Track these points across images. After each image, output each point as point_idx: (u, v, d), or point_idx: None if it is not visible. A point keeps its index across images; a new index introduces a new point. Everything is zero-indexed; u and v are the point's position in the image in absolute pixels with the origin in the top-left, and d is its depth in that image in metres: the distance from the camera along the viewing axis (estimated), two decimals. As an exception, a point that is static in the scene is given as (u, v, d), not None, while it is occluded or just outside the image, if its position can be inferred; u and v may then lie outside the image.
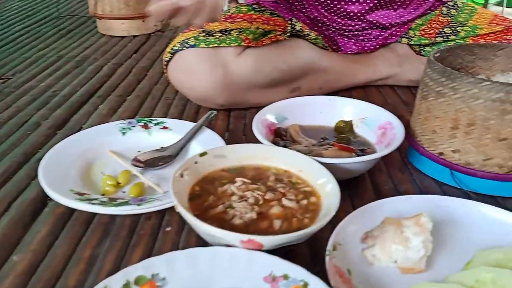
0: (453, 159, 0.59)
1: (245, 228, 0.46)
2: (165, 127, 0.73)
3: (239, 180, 0.52)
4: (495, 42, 0.85)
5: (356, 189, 0.61)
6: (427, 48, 0.99)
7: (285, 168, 0.56)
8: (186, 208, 0.47)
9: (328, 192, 0.50)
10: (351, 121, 0.72)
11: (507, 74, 0.70)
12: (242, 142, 0.75)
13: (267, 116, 0.70)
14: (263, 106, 0.88)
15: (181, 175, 0.51)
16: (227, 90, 0.82)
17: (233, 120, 0.84)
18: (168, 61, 0.85)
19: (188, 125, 0.72)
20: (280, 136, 0.69)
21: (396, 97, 0.94)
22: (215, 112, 0.73)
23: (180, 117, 0.86)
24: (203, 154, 0.55)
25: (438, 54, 0.67)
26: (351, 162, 0.57)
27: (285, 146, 0.66)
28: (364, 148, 0.66)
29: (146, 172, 0.63)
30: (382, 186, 0.62)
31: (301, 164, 0.55)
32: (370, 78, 0.97)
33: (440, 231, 0.50)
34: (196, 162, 0.54)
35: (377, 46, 0.97)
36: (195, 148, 0.68)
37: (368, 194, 0.60)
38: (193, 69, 0.81)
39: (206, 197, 0.50)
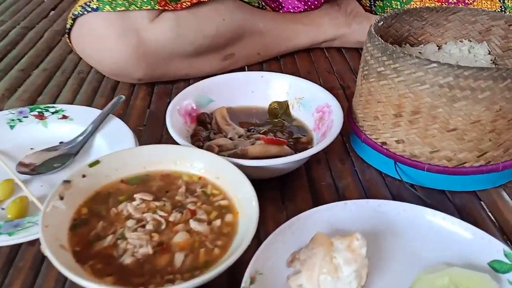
0: (397, 150, 0.52)
1: (138, 268, 0.37)
2: (64, 116, 0.60)
3: (138, 197, 0.43)
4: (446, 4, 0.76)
5: (289, 186, 0.53)
6: (378, 3, 0.89)
7: (199, 174, 0.47)
8: (63, 242, 0.37)
9: (247, 209, 0.42)
10: (286, 101, 0.62)
11: (460, 42, 0.62)
12: (162, 125, 0.65)
13: (188, 100, 0.59)
14: (192, 78, 0.78)
15: (60, 197, 0.41)
16: (143, 61, 0.69)
17: (156, 98, 0.73)
18: (69, 29, 0.71)
19: (93, 113, 0.60)
20: (204, 124, 0.59)
21: (343, 62, 0.84)
22: (123, 97, 0.61)
23: (93, 95, 0.73)
24: (94, 164, 0.45)
25: (381, 23, 0.57)
26: (274, 164, 0.48)
27: (208, 138, 0.56)
28: (299, 136, 0.57)
29: (35, 179, 0.52)
30: (319, 182, 0.54)
31: (217, 169, 0.46)
32: (314, 40, 0.86)
33: (379, 243, 0.44)
34: (84, 176, 0.44)
35: (322, 1, 0.86)
36: (100, 143, 0.57)
37: (302, 194, 0.52)
38: (99, 38, 0.67)
39: (95, 223, 0.41)
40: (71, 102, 0.71)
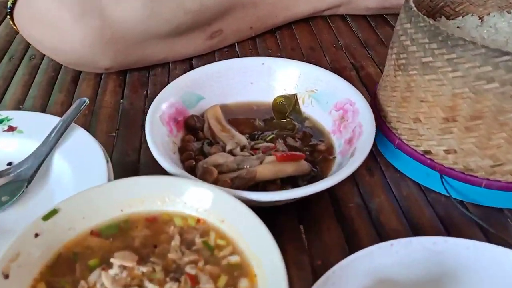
0: (445, 161, 0.41)
1: None
2: (11, 128, 0.46)
3: (117, 263, 0.31)
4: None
5: (309, 212, 0.42)
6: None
7: (197, 215, 0.35)
8: None
9: (267, 268, 0.30)
10: (295, 95, 0.50)
11: (508, 13, 0.50)
12: (139, 128, 0.52)
13: (170, 100, 0.46)
14: (172, 62, 0.64)
15: (5, 276, 0.28)
16: (110, 47, 0.55)
17: (129, 90, 0.59)
18: (11, 8, 0.55)
19: (49, 121, 0.46)
20: (194, 131, 0.46)
21: (350, 33, 0.71)
22: (86, 100, 0.48)
23: (49, 89, 0.59)
24: (50, 215, 0.32)
25: (419, -8, 0.45)
26: (295, 197, 0.37)
27: (201, 152, 0.44)
28: (315, 142, 0.46)
29: (-24, 222, 0.40)
30: (346, 203, 0.43)
31: (221, 209, 0.34)
32: (316, 8, 0.72)
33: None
34: (37, 235, 0.31)
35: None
36: (60, 165, 0.44)
37: (327, 222, 0.41)
38: (51, 20, 0.52)
39: (57, 309, 0.29)
40: (21, 99, 0.57)
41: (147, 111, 0.55)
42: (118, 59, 0.57)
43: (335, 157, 0.44)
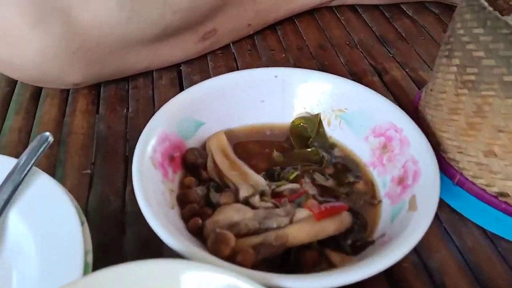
0: (527, 207, 0.32)
1: None
2: (-50, 177, 0.35)
3: None
4: None
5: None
6: None
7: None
8: None
9: None
10: (318, 115, 0.40)
11: None
12: (121, 161, 0.40)
13: (162, 132, 0.35)
14: (156, 70, 0.53)
15: None
16: (80, 57, 0.43)
17: (105, 108, 0.47)
18: None
19: (2, 165, 0.35)
20: (195, 170, 0.36)
21: (364, 27, 0.60)
22: (50, 137, 0.36)
23: (3, 112, 0.47)
24: None
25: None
26: (346, 283, 0.27)
27: (207, 202, 0.33)
28: (351, 180, 0.36)
29: None
30: (399, 264, 0.33)
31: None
32: (321, -2, 0.62)
33: None
34: None
35: None
36: (16, 230, 0.32)
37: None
38: (4, 30, 0.40)
39: None
40: (-33, 126, 0.45)
41: (130, 137, 0.44)
42: (90, 72, 0.45)
43: (380, 201, 0.34)
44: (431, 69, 0.53)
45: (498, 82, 0.29)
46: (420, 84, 0.50)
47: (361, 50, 0.57)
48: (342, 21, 0.62)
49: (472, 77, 0.31)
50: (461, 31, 0.32)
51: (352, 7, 0.65)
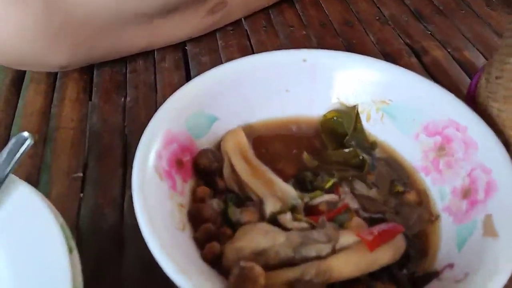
0: None
1: None
2: None
3: None
4: None
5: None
6: None
7: None
8: None
9: None
10: (355, 107, 0.33)
11: None
12: (118, 162, 0.33)
13: (170, 129, 0.29)
14: (158, 50, 0.45)
15: None
16: (65, 37, 0.36)
17: (99, 95, 0.40)
18: None
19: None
20: (209, 177, 0.29)
21: (397, 2, 0.52)
22: (28, 138, 0.29)
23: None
24: None
25: None
26: None
27: (225, 219, 0.27)
28: (400, 189, 0.30)
29: None
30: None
31: None
32: (346, -35, 0.54)
33: None
34: None
35: None
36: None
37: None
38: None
39: None
40: None
41: (129, 132, 0.38)
42: (79, 53, 0.38)
43: (439, 216, 0.28)
44: (477, 49, 0.46)
45: None
46: (467, 67, 0.43)
47: (393, 26, 0.49)
48: (374, -8, 0.54)
49: None
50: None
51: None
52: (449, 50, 0.45)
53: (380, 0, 0.53)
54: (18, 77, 0.42)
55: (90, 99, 0.40)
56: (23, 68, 0.41)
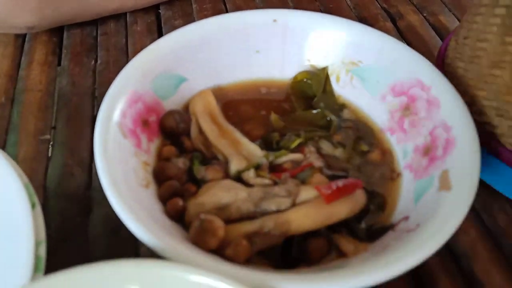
0: None
1: None
2: None
3: None
4: None
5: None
6: None
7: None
8: None
9: None
10: (325, 69, 0.33)
11: None
12: (87, 124, 0.33)
13: (135, 89, 0.28)
14: (130, 13, 0.44)
15: None
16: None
17: (69, 58, 0.39)
18: None
19: None
20: (176, 137, 0.29)
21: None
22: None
23: None
24: None
25: None
26: (370, 284, 0.21)
27: (190, 180, 0.27)
28: (363, 148, 0.30)
29: None
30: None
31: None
32: None
33: None
34: None
35: None
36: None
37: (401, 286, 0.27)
38: None
39: None
40: None
41: (99, 94, 0.37)
42: (45, 12, 0.37)
43: (400, 174, 0.28)
44: (453, 14, 0.46)
45: None
46: (442, 31, 0.43)
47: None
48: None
49: (527, 21, 0.25)
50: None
51: None
52: (424, 14, 0.45)
53: (359, -36, 0.52)
54: (-15, 40, 0.41)
55: (59, 63, 0.40)
56: None
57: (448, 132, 0.26)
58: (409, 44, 0.42)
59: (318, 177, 0.26)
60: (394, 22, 0.45)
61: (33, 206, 0.25)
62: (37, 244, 0.24)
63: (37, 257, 0.23)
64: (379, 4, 0.47)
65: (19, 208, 0.24)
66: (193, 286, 0.19)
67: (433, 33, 0.43)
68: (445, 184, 0.24)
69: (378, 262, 0.21)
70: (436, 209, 0.23)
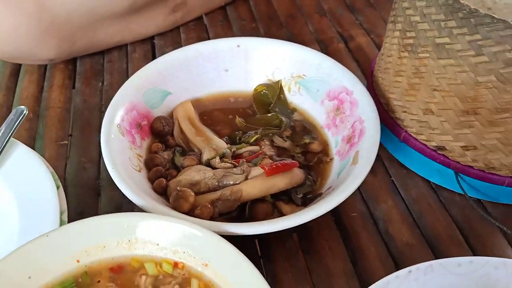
0: (462, 158, 0.35)
1: None
2: None
3: None
4: None
5: (307, 227, 0.35)
6: None
7: (173, 258, 0.28)
8: None
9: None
10: (279, 82, 0.42)
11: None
12: (96, 132, 0.43)
13: (130, 101, 0.38)
14: (130, 44, 0.55)
15: None
16: (52, 33, 0.45)
17: (81, 81, 0.49)
18: None
19: (-17, 138, 0.38)
20: (162, 137, 0.39)
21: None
22: (24, 110, 0.39)
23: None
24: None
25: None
26: (291, 226, 0.30)
27: (173, 165, 0.37)
28: (307, 141, 0.39)
29: None
30: (348, 213, 0.37)
31: (204, 251, 0.28)
32: (292, -33, 0.63)
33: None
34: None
35: None
36: (0, 192, 0.36)
37: (328, 238, 0.35)
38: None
39: None
40: (-49, 103, 0.48)
41: (105, 109, 0.47)
42: (63, 47, 0.47)
43: (332, 159, 0.37)
44: (395, 34, 0.55)
45: (432, 44, 0.32)
46: (382, 49, 0.52)
47: (329, 18, 0.58)
48: (311, -13, 0.63)
49: (411, 41, 0.34)
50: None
51: (324, -25, 0.66)
52: (372, 36, 0.55)
53: (321, -5, 0.62)
54: (16, 69, 0.51)
55: (74, 86, 0.50)
56: (17, 61, 0.50)
57: (362, 124, 0.35)
58: (357, 61, 0.52)
59: (266, 160, 0.35)
60: (346, 43, 0.54)
61: (58, 187, 0.34)
62: (61, 212, 0.33)
63: (61, 221, 0.32)
64: (335, 29, 0.56)
65: (48, 188, 0.34)
66: (173, 231, 0.28)
67: (377, 51, 0.52)
68: (355, 160, 0.33)
69: (302, 211, 0.30)
70: (346, 178, 0.32)
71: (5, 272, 0.26)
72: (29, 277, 0.26)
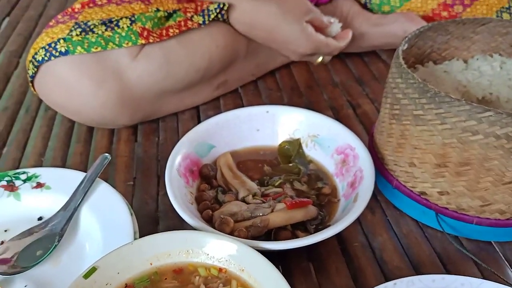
0: (439, 201, 0.45)
1: None
2: (40, 184, 0.50)
3: (151, 315, 0.34)
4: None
5: (318, 252, 0.45)
6: (374, 0, 0.80)
7: (218, 265, 0.39)
8: None
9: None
10: (298, 139, 0.54)
11: (490, 56, 0.54)
12: (154, 176, 0.56)
13: (185, 152, 0.50)
14: (181, 112, 0.67)
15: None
16: (128, 106, 0.59)
17: (142, 138, 0.62)
18: (33, 76, 0.59)
19: (73, 177, 0.50)
20: (208, 179, 0.50)
21: (345, 70, 0.75)
22: (108, 156, 0.51)
23: (67, 141, 0.63)
24: (90, 272, 0.36)
25: (406, 46, 0.49)
26: (306, 244, 0.40)
27: (216, 200, 0.48)
28: (320, 185, 0.50)
29: (16, 278, 0.43)
30: (352, 243, 0.47)
31: (241, 259, 0.38)
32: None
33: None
34: (79, 295, 0.35)
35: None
36: (87, 218, 0.47)
37: (335, 262, 0.44)
38: (72, 87, 0.56)
39: None
40: (42, 152, 0.61)
41: (161, 158, 0.59)
42: (135, 116, 0.61)
43: (339, 200, 0.48)
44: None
45: (411, 115, 0.43)
46: (383, 115, 0.64)
47: (341, 89, 0.71)
48: (328, 65, 0.77)
49: (397, 112, 0.45)
50: (390, 80, 0.47)
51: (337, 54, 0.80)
52: (375, 104, 0.67)
53: (334, 69, 0.76)
54: (91, 126, 0.65)
55: (136, 140, 0.63)
56: (101, 127, 0.63)
57: (362, 172, 0.46)
58: (363, 124, 0.63)
59: (287, 199, 0.46)
60: (354, 109, 0.66)
61: (131, 214, 0.46)
62: (134, 233, 0.44)
63: (134, 239, 0.43)
64: (345, 98, 0.69)
65: (125, 214, 0.45)
66: (218, 245, 0.38)
67: (379, 116, 0.64)
68: (355, 199, 0.44)
69: (312, 235, 0.40)
70: (347, 212, 0.42)
71: (103, 268, 0.37)
72: (118, 273, 0.37)
